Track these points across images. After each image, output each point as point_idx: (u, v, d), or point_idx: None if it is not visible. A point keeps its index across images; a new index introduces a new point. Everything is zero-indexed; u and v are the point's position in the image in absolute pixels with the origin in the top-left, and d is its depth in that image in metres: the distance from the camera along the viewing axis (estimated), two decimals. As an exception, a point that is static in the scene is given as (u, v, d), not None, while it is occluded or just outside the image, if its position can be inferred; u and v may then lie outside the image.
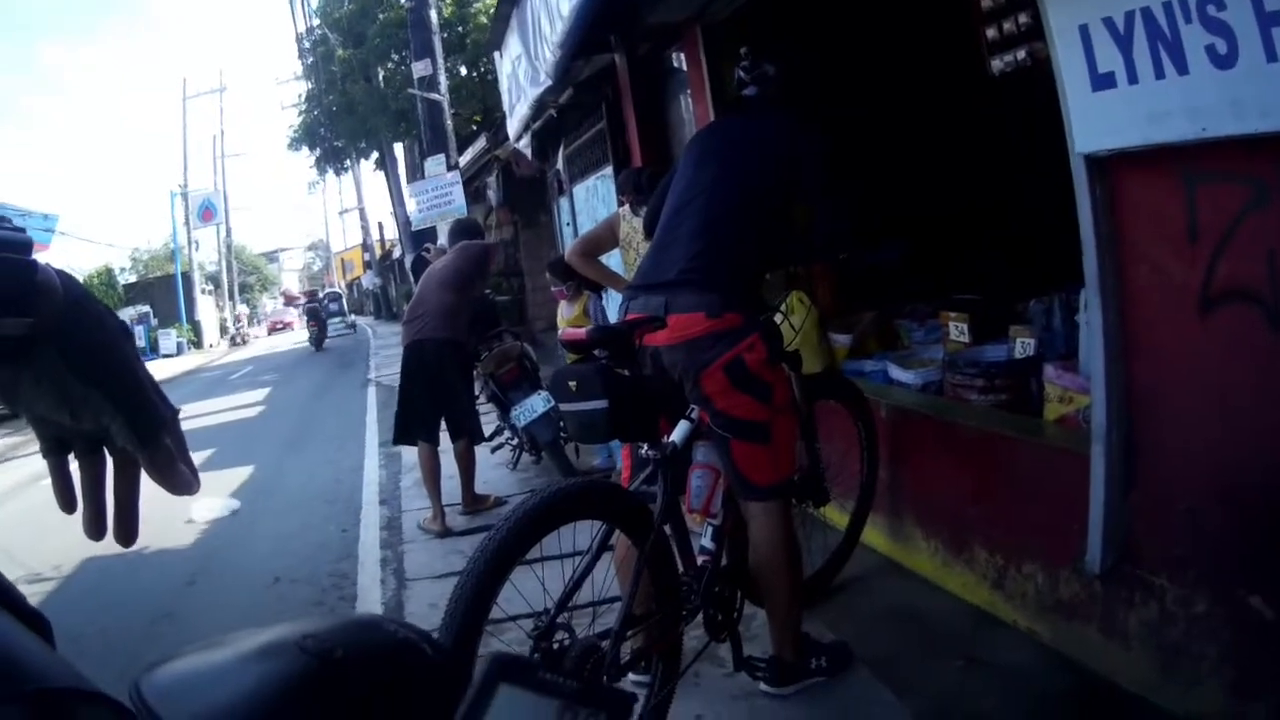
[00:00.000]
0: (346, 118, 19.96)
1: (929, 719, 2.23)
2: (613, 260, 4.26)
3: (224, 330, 32.88)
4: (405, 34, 12.47)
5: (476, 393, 4.88)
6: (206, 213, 31.41)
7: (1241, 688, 1.88)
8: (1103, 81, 1.90)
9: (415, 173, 15.47)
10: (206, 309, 32.10)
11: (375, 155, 23.59)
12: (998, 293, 3.39)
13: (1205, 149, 1.75)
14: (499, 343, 5.20)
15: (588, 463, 5.04)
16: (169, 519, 4.77)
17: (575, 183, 7.55)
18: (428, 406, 4.41)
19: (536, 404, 4.79)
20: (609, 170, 6.25)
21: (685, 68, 4.80)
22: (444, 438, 4.44)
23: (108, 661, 3.02)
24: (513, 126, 6.25)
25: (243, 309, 39.01)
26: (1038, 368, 2.70)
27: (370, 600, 3.66)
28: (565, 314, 4.94)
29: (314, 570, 4.14)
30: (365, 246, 39.40)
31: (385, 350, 15.73)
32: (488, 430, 4.99)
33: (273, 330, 37.76)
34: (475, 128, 14.94)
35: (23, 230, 0.57)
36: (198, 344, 29.50)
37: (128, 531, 0.65)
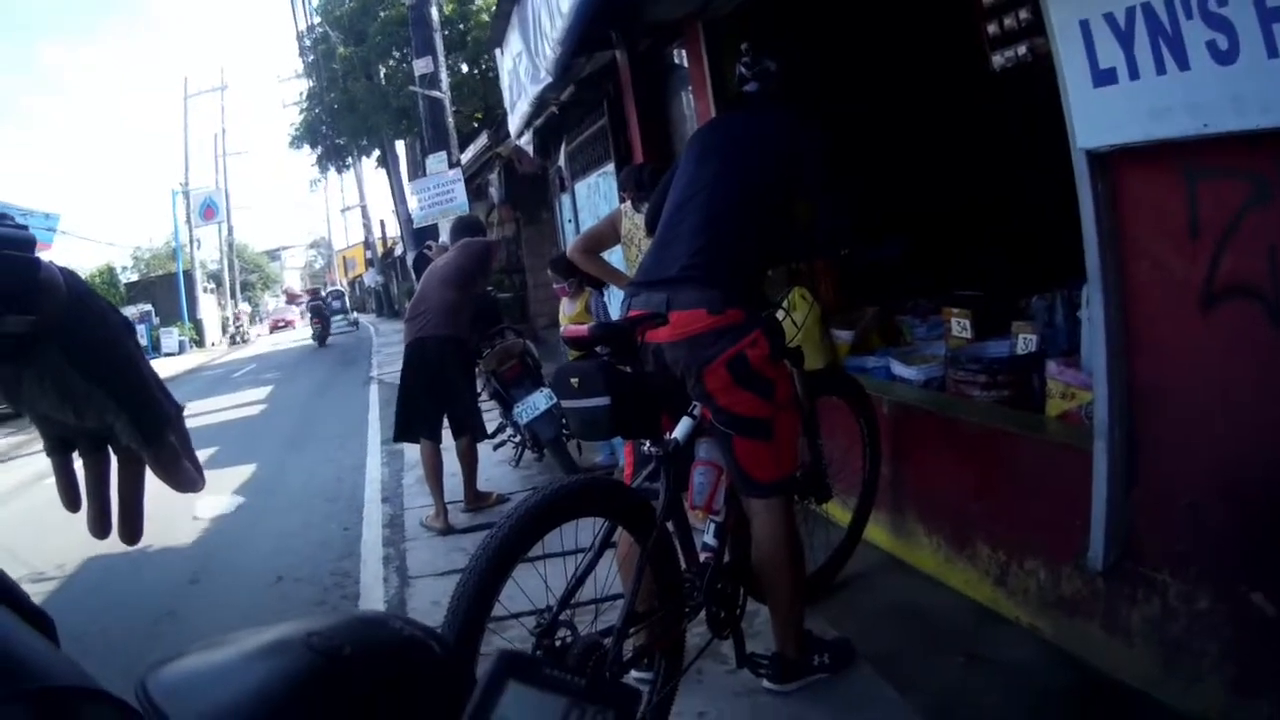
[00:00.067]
0: (348, 115, 19.96)
1: (931, 715, 2.23)
2: (614, 257, 4.25)
3: (225, 328, 32.89)
4: (406, 31, 12.47)
5: (479, 390, 4.88)
6: (208, 211, 31.39)
7: (1243, 684, 1.88)
8: (1104, 77, 1.89)
9: (417, 170, 15.48)
10: (208, 307, 32.10)
11: (377, 153, 23.60)
12: (1000, 289, 3.38)
13: (1206, 144, 1.75)
14: (501, 340, 5.20)
15: (590, 460, 5.04)
16: (172, 517, 4.77)
17: (577, 179, 7.55)
18: (430, 404, 4.41)
19: (539, 401, 4.79)
20: (610, 167, 6.25)
21: (686, 64, 4.80)
22: (446, 435, 4.44)
23: (111, 660, 3.02)
24: (514, 123, 6.24)
25: (244, 307, 38.98)
26: (1040, 364, 2.70)
27: (373, 598, 3.66)
28: (567, 311, 4.94)
29: (316, 568, 4.14)
30: (367, 244, 39.42)
31: (387, 348, 15.73)
32: (490, 427, 5.00)
33: (274, 328, 37.77)
34: (477, 125, 14.93)
35: (25, 228, 0.57)
36: (200, 342, 29.51)
37: (132, 530, 0.65)
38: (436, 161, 9.55)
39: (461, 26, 17.28)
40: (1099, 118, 1.95)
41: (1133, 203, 2.00)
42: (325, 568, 4.14)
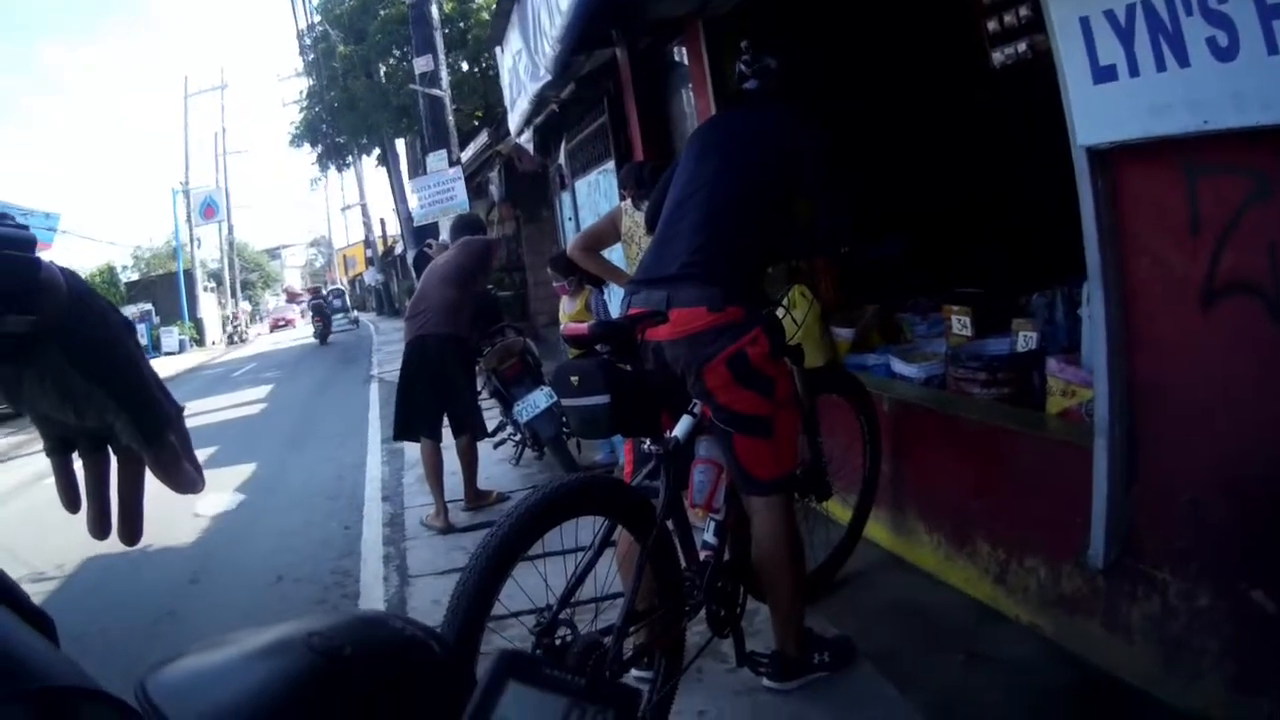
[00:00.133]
0: (348, 114, 19.94)
1: (932, 713, 2.23)
2: (615, 255, 4.25)
3: (224, 328, 32.89)
4: (406, 30, 12.47)
5: (479, 388, 4.88)
6: (208, 210, 31.37)
7: (1243, 682, 1.89)
8: (1104, 74, 1.89)
9: (417, 168, 15.45)
10: (209, 306, 32.09)
11: (377, 151, 23.58)
12: (1000, 286, 3.39)
13: (1206, 141, 1.75)
14: (501, 338, 5.20)
15: (590, 458, 5.04)
16: (172, 517, 4.77)
17: (577, 177, 7.55)
18: (430, 402, 4.41)
19: (539, 399, 4.79)
20: (611, 165, 6.25)
21: (686, 62, 4.80)
22: (446, 434, 4.44)
23: (110, 660, 3.03)
24: (514, 122, 6.24)
25: (243, 305, 38.97)
26: (1040, 361, 2.70)
27: (373, 597, 3.66)
28: (567, 309, 4.94)
29: (316, 567, 4.14)
30: (367, 243, 39.40)
31: (388, 346, 15.73)
32: (490, 426, 5.00)
33: (275, 327, 37.76)
34: (477, 123, 14.91)
35: (26, 228, 0.57)
36: (200, 341, 29.51)
37: (132, 530, 0.65)
38: (437, 160, 9.55)
39: (462, 24, 17.25)
40: (1099, 114, 1.95)
41: (1133, 200, 2.00)
42: (325, 566, 4.14)
